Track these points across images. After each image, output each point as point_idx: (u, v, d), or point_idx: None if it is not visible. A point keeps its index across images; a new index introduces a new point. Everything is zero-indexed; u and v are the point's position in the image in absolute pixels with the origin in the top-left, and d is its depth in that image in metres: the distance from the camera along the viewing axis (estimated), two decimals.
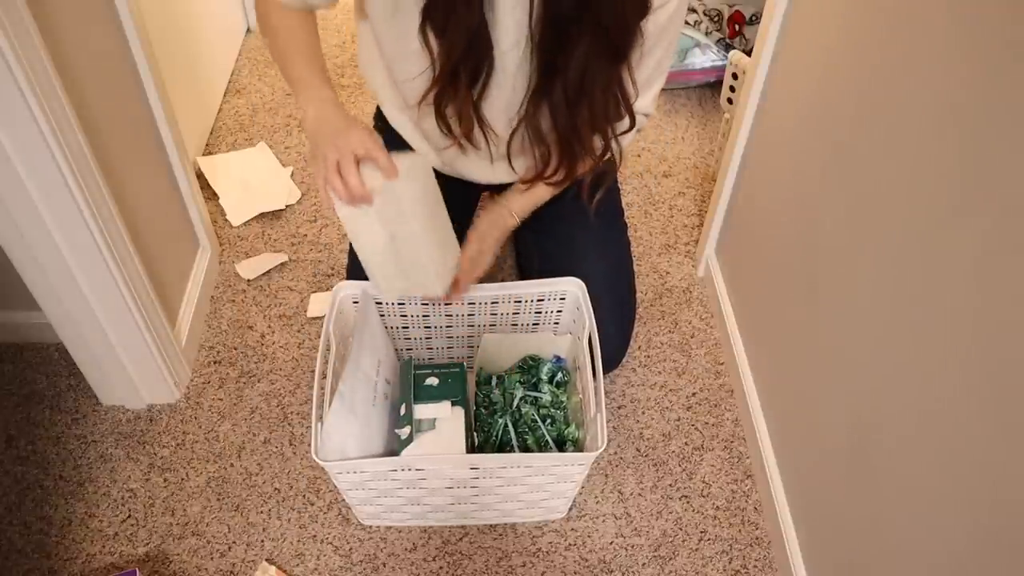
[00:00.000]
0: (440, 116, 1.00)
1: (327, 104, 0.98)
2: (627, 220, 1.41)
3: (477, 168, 1.19)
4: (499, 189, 1.27)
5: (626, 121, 1.03)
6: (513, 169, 1.16)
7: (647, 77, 1.04)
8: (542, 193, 1.21)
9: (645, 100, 1.08)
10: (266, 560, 1.21)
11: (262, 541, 1.24)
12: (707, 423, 1.40)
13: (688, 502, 1.30)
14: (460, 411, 1.09)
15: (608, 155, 1.07)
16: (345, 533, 1.25)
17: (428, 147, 1.21)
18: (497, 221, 1.22)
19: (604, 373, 1.17)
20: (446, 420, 1.08)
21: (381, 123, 1.30)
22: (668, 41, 1.01)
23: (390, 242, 1.00)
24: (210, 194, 1.75)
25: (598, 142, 1.05)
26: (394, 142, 1.23)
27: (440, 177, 1.23)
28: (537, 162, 1.08)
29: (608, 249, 1.33)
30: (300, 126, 0.90)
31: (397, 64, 1.04)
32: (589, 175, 1.14)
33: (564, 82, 0.93)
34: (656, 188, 1.82)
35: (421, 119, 1.07)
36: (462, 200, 1.40)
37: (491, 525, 1.26)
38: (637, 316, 1.46)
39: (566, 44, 0.89)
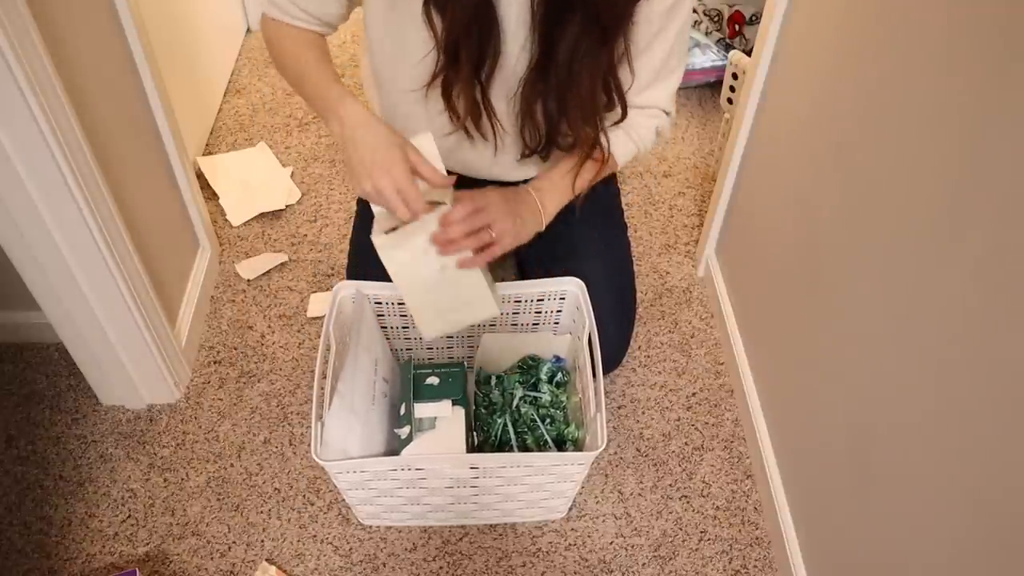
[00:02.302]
0: (447, 98, 1.00)
1: (360, 113, 0.96)
2: (627, 220, 1.41)
3: (480, 159, 1.18)
4: (501, 184, 1.26)
5: (618, 111, 1.03)
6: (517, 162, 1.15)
7: (657, 67, 1.03)
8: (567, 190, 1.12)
9: (661, 94, 1.08)
10: (266, 560, 1.21)
11: (262, 541, 1.24)
12: (707, 423, 1.40)
13: (688, 502, 1.30)
14: (460, 410, 1.08)
15: (600, 146, 1.07)
16: (345, 533, 1.25)
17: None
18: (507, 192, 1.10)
19: (604, 373, 1.17)
20: (446, 419, 1.08)
21: None
22: (678, 26, 1.01)
23: (440, 273, 1.00)
24: (210, 194, 1.75)
25: (590, 132, 1.03)
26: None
27: None
28: (526, 143, 1.07)
29: (608, 249, 1.32)
30: (329, 137, 0.91)
31: (400, 57, 1.04)
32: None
33: (556, 66, 0.94)
34: (656, 188, 1.82)
35: (428, 104, 1.06)
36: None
37: (491, 525, 1.26)
38: (637, 316, 1.46)
39: (560, 24, 0.90)
